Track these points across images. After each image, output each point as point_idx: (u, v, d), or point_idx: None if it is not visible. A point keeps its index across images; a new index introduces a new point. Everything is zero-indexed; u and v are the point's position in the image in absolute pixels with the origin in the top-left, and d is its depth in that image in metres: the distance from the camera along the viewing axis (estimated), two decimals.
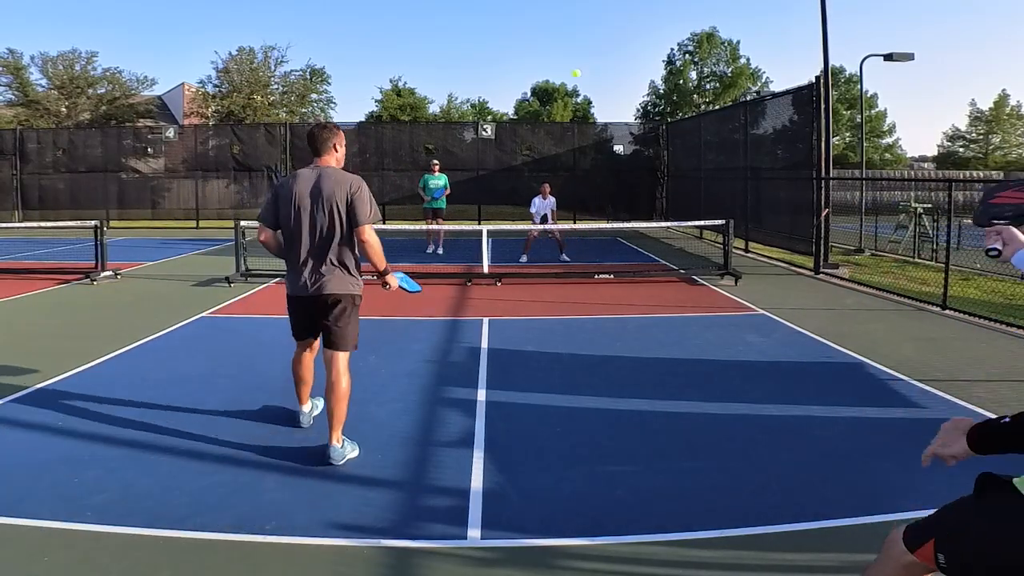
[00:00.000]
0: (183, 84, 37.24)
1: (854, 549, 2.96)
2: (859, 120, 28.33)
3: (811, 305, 8.53)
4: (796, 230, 11.90)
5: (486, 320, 7.47)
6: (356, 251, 3.93)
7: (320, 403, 4.36)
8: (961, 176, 28.95)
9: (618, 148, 21.08)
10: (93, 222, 10.54)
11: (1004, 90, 44.20)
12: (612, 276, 10.19)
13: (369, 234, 3.82)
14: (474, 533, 3.10)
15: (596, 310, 8.22)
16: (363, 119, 34.46)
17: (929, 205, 15.04)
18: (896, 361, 5.83)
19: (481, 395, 4.99)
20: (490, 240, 11.60)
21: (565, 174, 20.35)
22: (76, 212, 18.84)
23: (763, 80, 36.12)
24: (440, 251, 13.28)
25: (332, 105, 34.97)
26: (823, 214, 11.03)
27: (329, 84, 35.05)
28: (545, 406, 4.77)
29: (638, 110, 38.60)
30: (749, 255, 13.49)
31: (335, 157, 3.95)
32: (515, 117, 39.50)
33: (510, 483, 3.60)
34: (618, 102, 74.18)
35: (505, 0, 65.26)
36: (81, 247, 13.29)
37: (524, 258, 12.30)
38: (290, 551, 2.94)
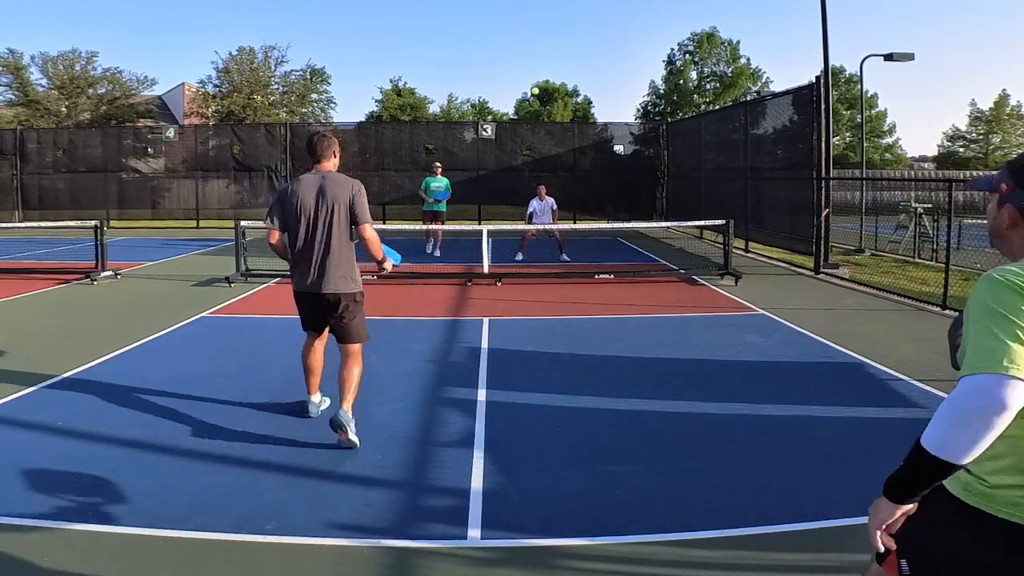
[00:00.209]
0: (183, 84, 37.24)
1: (854, 549, 2.95)
2: (859, 120, 28.33)
3: (811, 305, 8.53)
4: (796, 230, 11.90)
5: (486, 320, 7.47)
6: (353, 249, 4.24)
7: (328, 400, 4.57)
8: (961, 176, 28.95)
9: (618, 148, 21.07)
10: (93, 222, 10.55)
11: (1004, 90, 44.18)
12: (612, 276, 10.20)
13: (369, 231, 4.19)
14: (474, 533, 3.10)
15: (596, 310, 8.22)
16: (363, 119, 34.45)
17: (929, 205, 15.04)
18: (896, 361, 5.83)
19: (481, 395, 4.99)
20: (490, 240, 11.59)
21: (565, 174, 20.35)
22: (76, 212, 18.83)
23: (763, 80, 36.17)
24: (437, 253, 13.21)
25: (332, 105, 34.98)
26: (823, 214, 11.02)
27: (329, 84, 35.06)
28: (545, 406, 4.77)
29: (638, 110, 38.66)
30: (749, 255, 13.49)
31: (333, 162, 4.29)
32: (515, 117, 39.50)
33: (510, 483, 3.61)
34: (618, 102, 74.25)
35: (505, 0, 65.31)
36: (81, 247, 13.29)
37: (520, 256, 12.28)
38: (290, 551, 2.95)
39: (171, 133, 21.43)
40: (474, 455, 3.92)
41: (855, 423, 4.47)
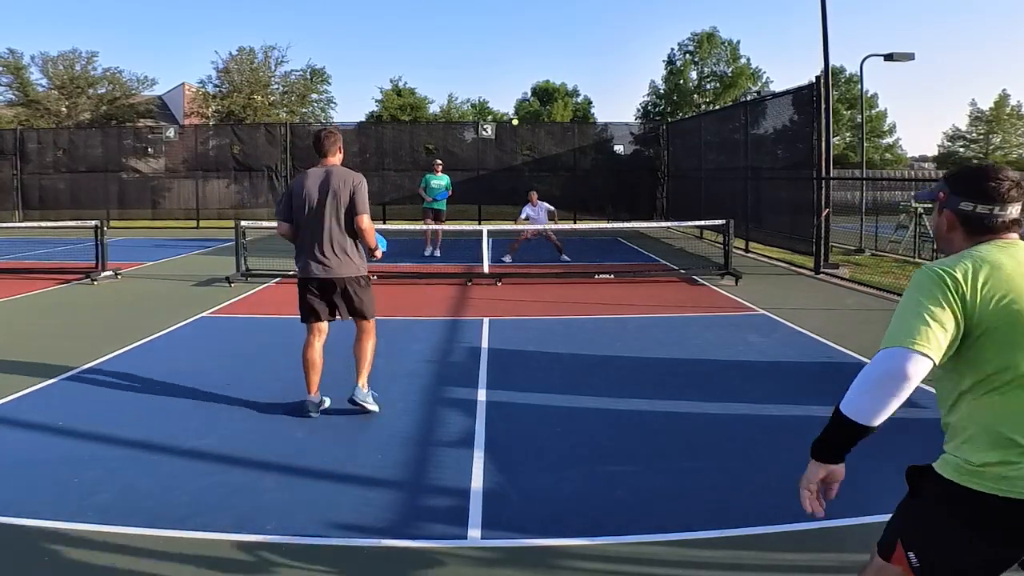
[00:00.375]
0: (183, 84, 37.24)
1: (854, 549, 2.95)
2: (859, 120, 28.33)
3: (811, 305, 8.53)
4: (796, 230, 11.89)
5: (486, 320, 7.47)
6: (355, 236, 4.55)
7: (328, 400, 4.64)
8: None
9: (618, 148, 21.07)
10: (93, 222, 10.55)
11: (1004, 90, 44.11)
12: (612, 276, 10.19)
13: (366, 221, 4.50)
14: (474, 533, 3.10)
15: (596, 310, 8.22)
16: (363, 119, 34.47)
17: (930, 205, 15.00)
18: None
19: (481, 395, 4.99)
20: (490, 240, 11.58)
21: (565, 174, 20.35)
22: (76, 212, 18.82)
23: (763, 80, 36.16)
24: (437, 253, 13.16)
25: (332, 105, 34.99)
26: (823, 214, 11.02)
27: (329, 84, 35.05)
28: (545, 406, 4.77)
29: (638, 110, 38.66)
30: (749, 255, 13.48)
31: (338, 157, 4.62)
32: (515, 117, 39.50)
33: (510, 483, 3.60)
34: (618, 102, 74.28)
35: (505, 0, 65.29)
36: (81, 247, 13.29)
37: (508, 258, 12.09)
38: (290, 551, 2.94)
39: (171, 133, 21.44)
40: (474, 455, 3.92)
41: None
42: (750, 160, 13.86)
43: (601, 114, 43.95)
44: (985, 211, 1.68)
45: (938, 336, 1.55)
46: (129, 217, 20.40)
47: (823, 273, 10.91)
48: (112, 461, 3.82)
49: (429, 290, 9.51)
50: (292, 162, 20.38)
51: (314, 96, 34.20)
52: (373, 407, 4.50)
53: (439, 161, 14.34)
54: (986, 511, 1.59)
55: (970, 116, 40.88)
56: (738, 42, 35.99)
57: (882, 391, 1.58)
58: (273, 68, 32.17)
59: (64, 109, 29.96)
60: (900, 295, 7.05)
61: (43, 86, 30.21)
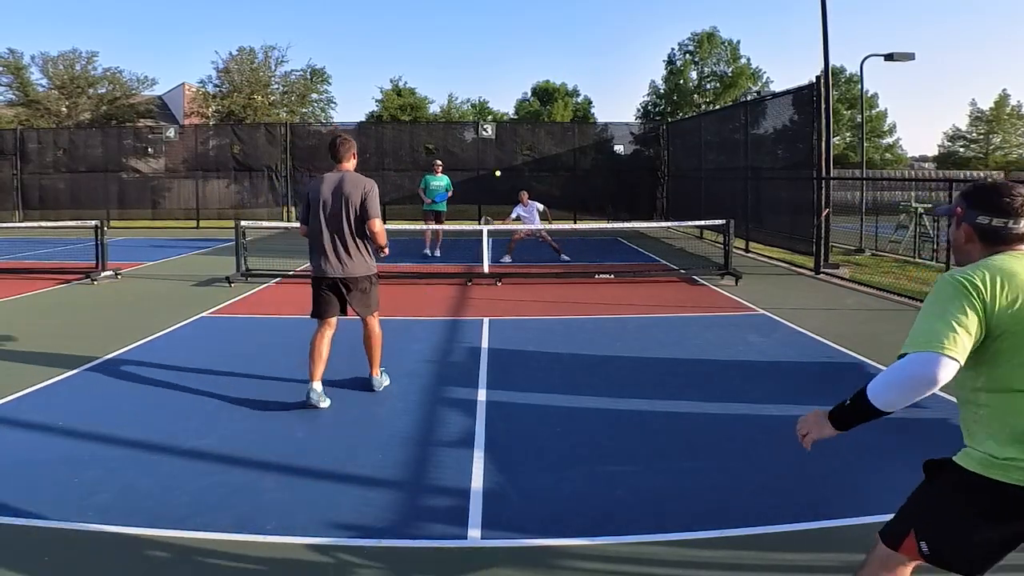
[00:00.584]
0: (183, 84, 37.25)
1: (854, 549, 2.95)
2: (859, 120, 28.33)
3: (811, 305, 8.53)
4: (796, 230, 11.89)
5: (486, 320, 7.47)
6: (366, 237, 4.83)
7: (329, 400, 4.76)
8: (962, 176, 28.94)
9: (618, 148, 21.07)
10: (93, 222, 10.55)
11: (1004, 90, 44.12)
12: (612, 276, 10.19)
13: (377, 225, 4.77)
14: (474, 533, 3.10)
15: (596, 310, 8.21)
16: (363, 119, 34.44)
17: (930, 205, 15.02)
18: None
19: (481, 395, 4.99)
20: (490, 240, 11.58)
21: (565, 174, 20.36)
22: (77, 212, 18.83)
23: (763, 80, 36.14)
24: (437, 253, 13.12)
25: (332, 105, 34.99)
26: (823, 214, 11.02)
27: (329, 84, 35.05)
28: (545, 406, 4.77)
29: (638, 110, 38.64)
30: (749, 255, 13.48)
31: (352, 163, 4.88)
32: (515, 117, 39.49)
33: (510, 483, 3.60)
34: (618, 102, 74.25)
35: (505, 0, 65.27)
36: (81, 247, 13.29)
37: (507, 259, 12.08)
38: (290, 551, 2.94)
39: (171, 133, 21.44)
40: (474, 455, 3.92)
41: None
42: (750, 160, 13.86)
43: (601, 114, 43.97)
44: (1000, 224, 1.84)
45: (963, 340, 1.70)
46: (129, 217, 20.40)
47: (823, 273, 10.91)
48: (112, 461, 3.82)
49: (429, 290, 9.51)
50: (292, 162, 20.40)
51: (314, 96, 34.22)
52: (386, 382, 5.10)
53: (439, 161, 14.19)
54: (1005, 500, 1.73)
55: (970, 116, 40.96)
56: (738, 42, 36.03)
57: (911, 391, 1.73)
58: (273, 68, 32.22)
59: (64, 109, 29.96)
60: (900, 295, 7.12)
61: (43, 86, 30.24)
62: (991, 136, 39.96)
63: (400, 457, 3.92)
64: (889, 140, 41.00)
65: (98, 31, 62.62)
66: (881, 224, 15.89)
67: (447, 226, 13.28)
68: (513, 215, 12.37)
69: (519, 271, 10.81)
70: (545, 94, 40.67)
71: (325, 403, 4.69)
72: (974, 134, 40.89)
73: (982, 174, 31.30)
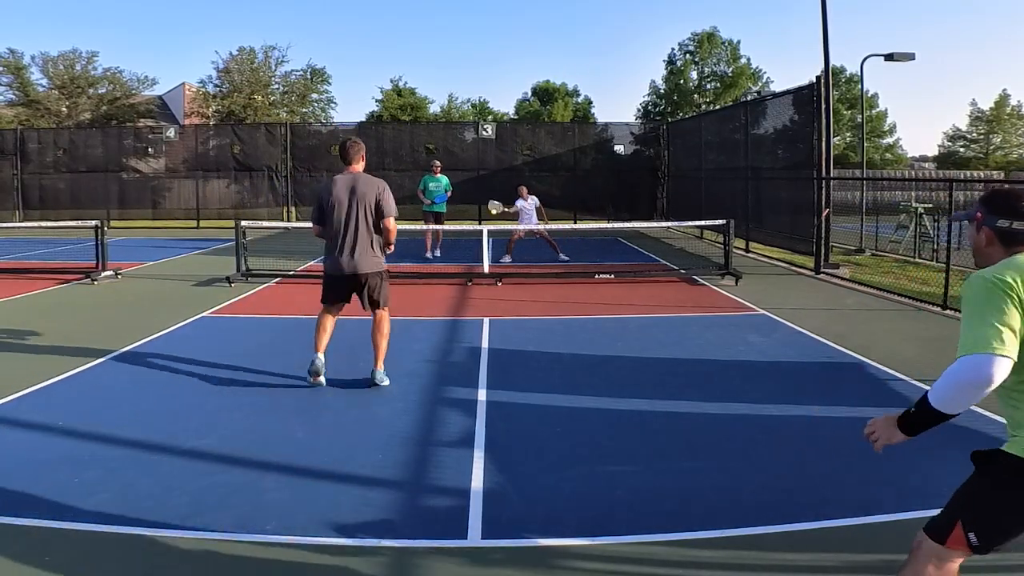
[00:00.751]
0: (184, 84, 37.22)
1: (854, 549, 2.96)
2: (860, 120, 28.32)
3: (811, 305, 8.53)
4: (797, 230, 11.89)
5: (486, 320, 7.47)
6: (377, 236, 5.10)
7: (324, 381, 5.11)
8: (962, 176, 28.93)
9: (619, 148, 21.07)
10: (94, 222, 10.55)
11: (1005, 90, 44.12)
12: (612, 276, 10.19)
13: (392, 223, 5.08)
14: (474, 533, 3.10)
15: (596, 310, 8.21)
16: (364, 119, 34.43)
17: (930, 205, 15.03)
18: (896, 361, 5.82)
19: (481, 395, 4.99)
20: (491, 240, 11.58)
21: (566, 174, 20.35)
22: (77, 212, 18.84)
23: (764, 80, 36.11)
24: (437, 253, 13.07)
25: (332, 105, 34.90)
26: (824, 214, 11.02)
27: (329, 84, 34.97)
28: (545, 406, 4.77)
29: (639, 110, 38.58)
30: (750, 255, 13.48)
31: (361, 164, 5.16)
32: (516, 117, 39.49)
33: (510, 483, 3.60)
34: (618, 102, 74.22)
35: (505, 0, 65.25)
36: (82, 247, 13.29)
37: (507, 258, 12.08)
38: (290, 551, 2.94)
39: (171, 133, 21.44)
40: (474, 455, 3.92)
41: (855, 423, 4.43)
42: (750, 160, 13.85)
43: (601, 114, 43.97)
44: (1020, 227, 1.97)
45: (1012, 337, 1.79)
46: (129, 217, 20.40)
47: (823, 273, 10.91)
48: (112, 461, 3.82)
49: (429, 290, 9.51)
50: (292, 162, 20.39)
51: (314, 96, 34.16)
52: (385, 382, 5.15)
53: (437, 162, 13.98)
54: None
55: (970, 116, 40.89)
56: (738, 42, 35.96)
57: (969, 393, 1.81)
58: (273, 68, 32.15)
59: (64, 109, 29.94)
60: (900, 295, 7.17)
61: (43, 86, 30.20)
62: (991, 136, 39.92)
63: (400, 457, 3.92)
64: (889, 140, 41.01)
65: (98, 31, 62.63)
66: (881, 224, 15.89)
67: (447, 226, 13.26)
68: (517, 205, 12.44)
69: (519, 271, 10.81)
70: (545, 94, 40.65)
71: (322, 379, 5.06)
72: (974, 134, 40.85)
73: (982, 174, 31.32)
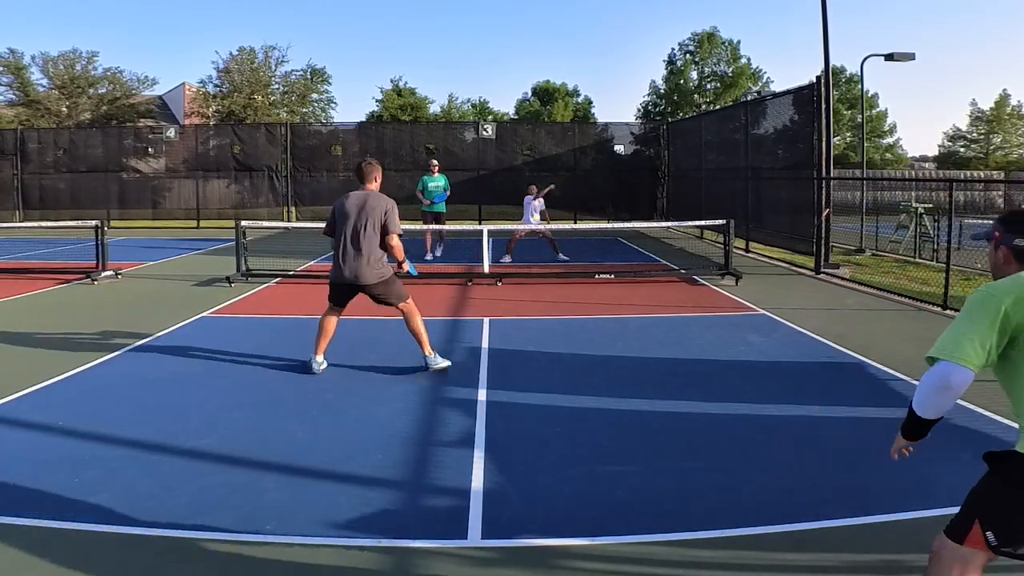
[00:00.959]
0: (184, 84, 37.22)
1: (854, 549, 2.96)
2: (860, 120, 28.33)
3: (812, 305, 8.52)
4: (797, 230, 11.89)
5: (486, 320, 7.47)
6: (382, 249, 5.41)
7: (326, 363, 5.49)
8: (962, 176, 28.95)
9: (619, 148, 21.07)
10: (94, 222, 10.55)
11: (1005, 90, 44.13)
12: (612, 276, 10.19)
13: (395, 240, 5.39)
14: (474, 533, 3.10)
15: (596, 310, 8.21)
16: (364, 119, 34.46)
17: (930, 205, 15.03)
18: (896, 361, 5.82)
19: (481, 395, 4.99)
20: (491, 240, 11.58)
21: (566, 174, 20.34)
22: (77, 212, 18.84)
23: (764, 80, 36.11)
24: (438, 253, 13.05)
25: (332, 105, 34.90)
26: (824, 214, 11.02)
27: (330, 84, 34.98)
28: (545, 406, 4.77)
29: (639, 110, 38.58)
30: (750, 255, 13.48)
31: (376, 184, 5.58)
32: (516, 117, 39.49)
33: (510, 483, 3.60)
34: (618, 102, 74.20)
35: (505, 0, 65.25)
36: (82, 247, 13.29)
37: (507, 258, 12.05)
38: (290, 551, 2.94)
39: (172, 133, 21.44)
40: (474, 455, 3.92)
41: (855, 423, 4.46)
42: (750, 160, 13.85)
43: (601, 114, 43.98)
44: None
45: (980, 351, 1.89)
46: (129, 217, 20.40)
47: (823, 273, 10.91)
48: (112, 461, 3.82)
49: (429, 290, 9.50)
50: (292, 162, 20.39)
51: (314, 96, 34.15)
52: (445, 363, 5.48)
53: (435, 161, 13.86)
54: None
55: (970, 116, 40.88)
56: (738, 42, 35.97)
57: (935, 396, 1.97)
58: (273, 68, 32.15)
59: (64, 109, 29.94)
60: (900, 295, 7.20)
61: (43, 86, 30.20)
62: (991, 136, 39.91)
63: (400, 457, 3.92)
64: (889, 140, 41.00)
65: (98, 31, 62.61)
66: (881, 224, 15.89)
67: (448, 226, 13.21)
68: (526, 201, 12.38)
69: (519, 271, 10.80)
70: (545, 94, 40.66)
71: (324, 366, 5.42)
72: (974, 134, 40.85)
73: (982, 174, 31.33)
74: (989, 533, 1.94)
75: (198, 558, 2.88)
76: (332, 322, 5.52)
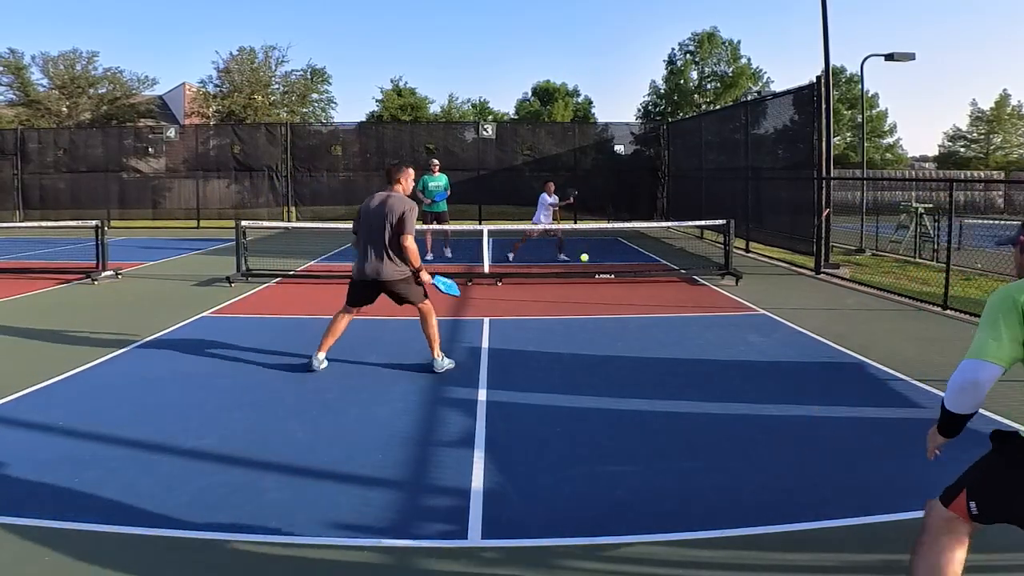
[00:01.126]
0: (184, 84, 37.24)
1: (854, 549, 2.96)
2: (860, 120, 28.32)
3: (812, 305, 8.52)
4: (797, 230, 11.88)
5: (486, 320, 7.47)
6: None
7: (327, 362, 5.53)
8: (962, 176, 28.95)
9: (619, 148, 21.07)
10: (94, 222, 10.55)
11: (1005, 90, 44.14)
12: (613, 276, 10.19)
13: (409, 241, 5.37)
14: (474, 533, 3.10)
15: (596, 310, 8.21)
16: (364, 119, 34.45)
17: (930, 205, 15.03)
18: (896, 361, 5.82)
19: (481, 395, 4.99)
20: (491, 240, 11.58)
21: (566, 174, 20.30)
22: (77, 212, 18.84)
23: (764, 80, 36.10)
24: (448, 254, 12.91)
25: (333, 105, 34.90)
26: (824, 214, 11.02)
27: (330, 84, 34.96)
28: (545, 406, 4.77)
29: (639, 110, 38.57)
30: (750, 255, 13.48)
31: (402, 186, 5.71)
32: (516, 117, 39.48)
33: (510, 483, 3.60)
34: (619, 102, 74.21)
35: (505, 0, 65.25)
36: (82, 247, 13.30)
37: (511, 256, 12.05)
38: (290, 551, 2.95)
39: (172, 133, 21.44)
40: (474, 455, 3.92)
41: (855, 423, 4.46)
42: (751, 160, 13.85)
43: (601, 114, 43.96)
44: None
45: (1006, 347, 2.02)
46: (129, 217, 20.40)
47: (823, 273, 10.91)
48: (113, 461, 3.82)
49: (428, 290, 9.49)
50: (292, 162, 20.39)
51: (314, 96, 34.15)
52: (450, 365, 5.59)
53: (435, 161, 13.74)
54: None
55: (971, 116, 40.87)
56: (739, 42, 35.95)
57: (964, 393, 2.07)
58: (273, 68, 32.15)
59: (65, 109, 29.94)
60: (901, 295, 7.20)
61: (44, 86, 30.20)
62: (992, 136, 39.90)
63: (400, 457, 3.92)
64: (889, 140, 40.99)
65: (98, 31, 62.65)
66: (881, 224, 15.89)
67: (449, 226, 13.16)
68: (551, 202, 12.06)
69: (519, 271, 10.80)
70: (545, 94, 40.66)
71: (324, 364, 5.48)
72: (975, 134, 40.83)
73: (982, 174, 31.32)
74: (973, 504, 2.11)
75: (198, 558, 2.88)
76: (343, 323, 5.59)
